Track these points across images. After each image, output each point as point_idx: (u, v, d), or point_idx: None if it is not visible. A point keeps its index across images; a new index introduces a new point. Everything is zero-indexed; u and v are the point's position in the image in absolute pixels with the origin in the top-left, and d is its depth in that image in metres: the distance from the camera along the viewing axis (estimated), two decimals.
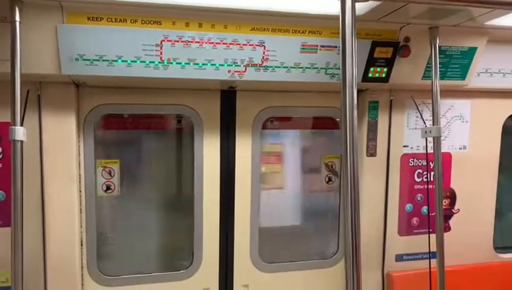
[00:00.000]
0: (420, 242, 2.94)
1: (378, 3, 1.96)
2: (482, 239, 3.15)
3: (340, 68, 1.38)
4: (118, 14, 2.03)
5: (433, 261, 2.62)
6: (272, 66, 2.32)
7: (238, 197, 2.82)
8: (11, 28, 1.89)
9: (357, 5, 1.41)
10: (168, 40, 2.12)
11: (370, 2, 1.62)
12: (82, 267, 2.60)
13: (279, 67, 2.33)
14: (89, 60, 2.09)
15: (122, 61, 2.12)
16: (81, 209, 2.56)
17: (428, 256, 2.74)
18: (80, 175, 2.53)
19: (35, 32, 2.00)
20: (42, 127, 2.34)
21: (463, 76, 2.67)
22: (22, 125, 1.97)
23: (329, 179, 3.11)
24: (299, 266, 3.02)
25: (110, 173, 2.67)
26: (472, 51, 2.59)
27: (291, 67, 2.34)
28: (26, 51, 1.97)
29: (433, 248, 2.59)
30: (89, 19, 2.02)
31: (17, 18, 1.89)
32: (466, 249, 3.08)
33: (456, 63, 2.62)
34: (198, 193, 2.75)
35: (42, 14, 1.97)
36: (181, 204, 3.03)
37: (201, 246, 2.79)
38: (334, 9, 1.43)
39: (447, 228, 3.06)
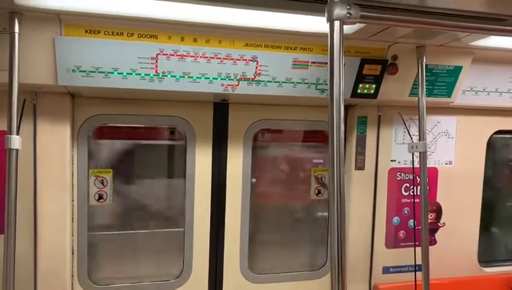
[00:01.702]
0: (407, 255, 2.99)
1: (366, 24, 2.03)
2: (466, 253, 3.21)
3: (328, 85, 1.44)
4: (115, 27, 2.08)
5: (419, 274, 2.67)
6: (264, 81, 2.38)
7: (228, 208, 2.86)
8: (9, 39, 1.93)
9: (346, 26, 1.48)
10: (163, 54, 2.17)
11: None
12: (72, 275, 2.61)
13: (271, 81, 2.39)
14: (85, 71, 2.13)
15: (118, 73, 2.16)
16: (73, 218, 2.58)
17: (414, 269, 2.80)
18: (72, 184, 2.55)
19: (33, 43, 2.03)
20: (37, 135, 2.37)
21: (449, 94, 2.76)
22: (18, 134, 1.99)
23: (319, 192, 3.16)
24: (288, 277, 3.05)
25: (102, 183, 2.70)
26: (458, 69, 2.68)
27: (282, 82, 2.40)
28: (24, 61, 2.00)
29: (419, 261, 2.65)
30: (86, 31, 2.06)
31: (16, 29, 1.93)
32: (451, 262, 3.13)
33: (442, 81, 2.70)
34: (189, 203, 2.79)
35: (41, 26, 2.01)
36: (172, 214, 3.05)
37: (191, 256, 2.82)
38: (324, 27, 1.49)
39: (433, 241, 3.12)
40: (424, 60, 2.50)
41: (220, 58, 2.25)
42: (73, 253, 2.60)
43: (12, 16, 1.92)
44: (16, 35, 1.93)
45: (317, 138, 3.16)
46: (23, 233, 2.35)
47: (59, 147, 2.43)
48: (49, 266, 2.45)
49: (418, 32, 2.24)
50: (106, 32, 2.08)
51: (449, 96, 2.77)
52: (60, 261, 2.49)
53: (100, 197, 2.70)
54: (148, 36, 2.13)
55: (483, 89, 2.93)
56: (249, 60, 2.29)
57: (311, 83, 2.45)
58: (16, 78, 1.95)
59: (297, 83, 2.43)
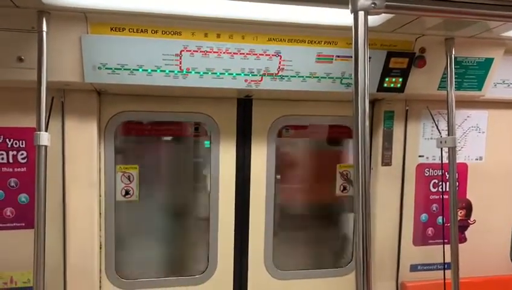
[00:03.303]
0: (435, 253, 2.92)
1: (392, 15, 1.99)
2: (498, 251, 3.11)
3: (353, 79, 1.41)
4: (140, 24, 2.10)
5: (448, 272, 2.61)
6: (287, 76, 2.36)
7: (253, 204, 2.86)
8: (38, 38, 1.98)
9: (371, 16, 1.44)
10: (187, 50, 2.18)
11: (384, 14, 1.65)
12: (100, 270, 2.66)
13: (295, 76, 2.37)
14: (111, 68, 2.16)
15: (143, 70, 2.19)
16: (100, 213, 2.63)
17: (443, 267, 2.73)
18: (100, 180, 2.60)
19: (60, 41, 2.07)
20: (65, 132, 2.42)
21: (479, 87, 2.67)
22: (46, 130, 2.04)
23: (344, 188, 3.12)
24: (313, 274, 3.03)
25: (129, 178, 2.73)
26: (489, 61, 2.59)
27: (306, 76, 2.38)
28: (52, 60, 2.05)
29: (448, 259, 2.58)
30: (111, 29, 2.10)
31: (44, 28, 1.97)
32: (482, 261, 3.05)
33: (472, 74, 2.62)
34: (213, 199, 2.80)
35: (68, 25, 2.05)
36: (197, 210, 3.08)
37: (216, 251, 2.83)
38: (349, 20, 1.46)
39: (463, 239, 3.04)
40: (453, 52, 2.43)
41: (243, 53, 2.24)
42: (100, 248, 2.65)
43: (41, 15, 1.97)
44: (44, 34, 1.98)
45: (342, 133, 3.11)
46: (53, 228, 2.41)
47: (86, 143, 2.48)
48: (77, 260, 2.51)
49: (447, 23, 2.17)
50: (131, 30, 2.11)
51: (479, 90, 2.69)
52: (88, 255, 2.54)
53: (127, 192, 2.74)
54: (172, 33, 2.15)
55: None
56: (272, 55, 2.28)
57: (336, 77, 2.42)
58: (44, 76, 1.99)
59: (321, 77, 2.40)
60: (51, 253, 2.30)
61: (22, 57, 2.06)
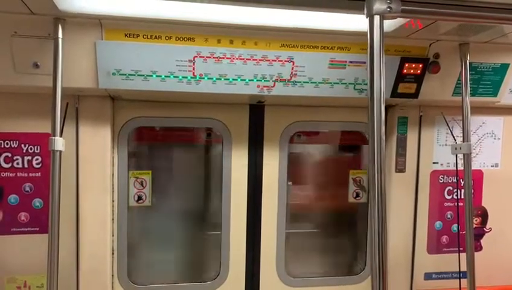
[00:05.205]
0: (450, 261, 2.87)
1: (407, 20, 1.98)
2: None
3: (368, 84, 1.40)
4: (154, 31, 2.12)
5: (464, 281, 2.56)
6: (300, 82, 2.35)
7: (265, 210, 2.85)
8: (54, 44, 2.01)
9: (386, 22, 1.43)
10: (200, 56, 2.19)
11: (399, 18, 1.65)
12: (112, 275, 2.67)
13: (308, 82, 2.36)
14: (125, 74, 2.18)
15: (157, 76, 2.20)
16: (113, 219, 2.64)
17: (458, 276, 2.68)
18: (113, 185, 2.61)
19: (75, 48, 2.10)
20: (79, 138, 2.44)
21: (495, 93, 2.64)
22: (61, 136, 2.06)
23: (357, 195, 3.10)
24: (326, 282, 3.00)
25: (142, 184, 2.74)
26: (504, 67, 2.56)
27: (319, 82, 2.37)
28: (67, 66, 2.07)
29: (464, 268, 2.54)
30: (126, 35, 2.12)
31: (60, 35, 2.00)
32: (498, 270, 2.99)
33: (488, 80, 2.59)
34: (226, 205, 2.79)
35: (83, 31, 2.08)
36: (209, 216, 3.07)
37: (228, 258, 2.82)
38: (363, 25, 1.46)
39: (478, 247, 2.98)
40: (468, 58, 2.40)
41: (256, 59, 2.25)
42: (113, 253, 2.65)
43: (57, 22, 1.99)
44: (60, 40, 2.00)
45: (354, 139, 3.09)
46: (66, 233, 2.43)
47: (100, 149, 2.50)
48: (90, 265, 2.52)
49: (462, 29, 2.15)
50: (145, 36, 2.13)
51: (495, 96, 2.65)
52: (101, 260, 2.55)
53: (139, 198, 2.75)
54: (185, 39, 2.16)
55: None
56: (285, 61, 2.28)
57: (349, 83, 2.41)
58: (59, 82, 2.02)
59: (334, 83, 2.39)
60: (64, 257, 2.32)
61: (38, 63, 2.09)
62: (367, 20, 1.41)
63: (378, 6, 1.38)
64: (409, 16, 1.54)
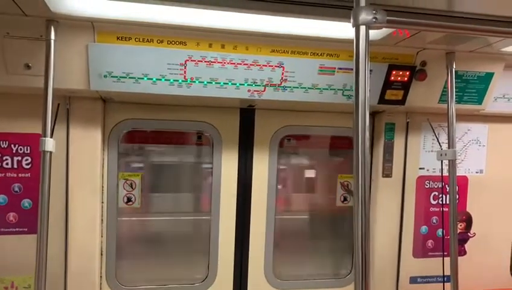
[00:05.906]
0: (435, 265, 2.92)
1: (394, 29, 2.02)
2: (498, 264, 3.11)
3: (354, 92, 1.44)
4: (146, 34, 2.14)
5: (448, 285, 2.61)
6: (290, 87, 2.39)
7: (254, 213, 2.87)
8: (46, 46, 2.01)
9: (373, 30, 1.47)
10: (192, 60, 2.22)
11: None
12: (101, 276, 2.67)
13: (297, 87, 2.40)
14: (116, 77, 2.19)
15: (148, 78, 2.22)
16: (102, 220, 2.64)
17: (442, 279, 2.73)
18: (102, 187, 2.62)
19: (67, 50, 2.11)
20: (69, 139, 2.45)
21: (480, 101, 2.70)
22: (51, 137, 2.06)
23: (345, 199, 3.14)
24: (313, 285, 3.03)
25: (131, 186, 2.76)
26: (489, 76, 2.62)
27: (309, 88, 2.41)
28: (58, 67, 2.08)
29: (448, 272, 2.58)
30: (118, 38, 2.13)
31: (52, 37, 2.01)
32: (482, 274, 3.04)
33: (473, 88, 2.65)
34: (215, 207, 2.81)
35: (75, 33, 2.09)
36: (198, 217, 3.09)
37: (216, 260, 2.84)
38: (351, 33, 1.49)
39: (463, 252, 3.04)
40: (454, 66, 2.46)
41: (247, 64, 2.28)
42: (102, 254, 2.66)
43: (49, 24, 2.00)
44: (52, 42, 2.01)
45: (343, 143, 3.13)
46: (55, 233, 2.43)
47: (90, 150, 2.50)
48: (78, 265, 2.52)
49: (448, 38, 2.20)
50: (137, 39, 2.14)
51: (480, 104, 2.71)
52: (90, 261, 2.56)
53: (129, 199, 2.76)
54: (177, 43, 2.18)
55: None
56: (276, 66, 2.31)
57: (338, 89, 2.45)
58: (51, 83, 2.02)
59: (323, 89, 2.43)
60: (52, 258, 2.32)
61: (30, 64, 2.10)
62: (354, 30, 1.45)
63: (364, 17, 1.42)
64: (394, 26, 1.58)
